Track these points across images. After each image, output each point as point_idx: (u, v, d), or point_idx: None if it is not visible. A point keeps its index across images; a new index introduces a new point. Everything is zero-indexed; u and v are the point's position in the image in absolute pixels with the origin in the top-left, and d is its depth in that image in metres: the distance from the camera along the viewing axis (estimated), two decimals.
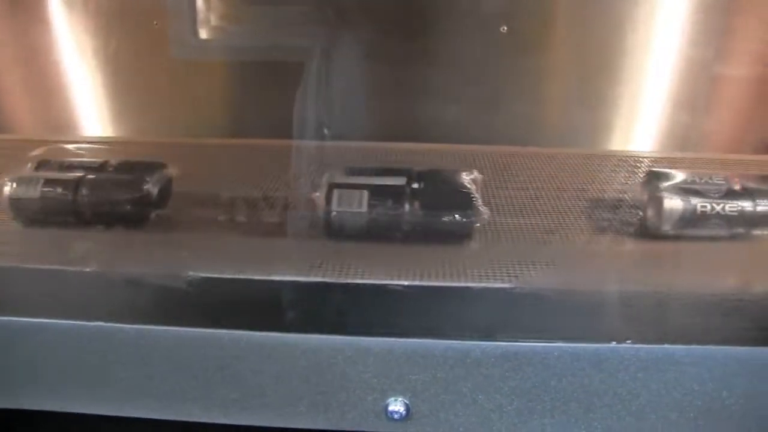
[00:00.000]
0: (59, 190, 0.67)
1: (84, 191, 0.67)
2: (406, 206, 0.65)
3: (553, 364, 0.55)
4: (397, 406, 0.56)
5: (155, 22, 0.94)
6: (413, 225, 0.65)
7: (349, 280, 0.58)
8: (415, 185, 0.67)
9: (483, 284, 0.58)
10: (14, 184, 0.67)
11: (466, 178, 0.69)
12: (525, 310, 0.58)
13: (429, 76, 0.94)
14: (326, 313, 0.59)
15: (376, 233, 0.65)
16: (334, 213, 0.64)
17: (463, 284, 0.58)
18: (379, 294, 0.60)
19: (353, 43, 0.92)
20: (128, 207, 0.67)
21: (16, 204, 0.67)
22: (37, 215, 0.67)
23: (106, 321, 0.56)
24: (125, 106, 0.98)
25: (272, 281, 0.60)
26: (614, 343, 0.55)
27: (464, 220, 0.64)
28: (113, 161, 0.72)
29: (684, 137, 0.97)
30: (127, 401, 0.59)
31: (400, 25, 0.93)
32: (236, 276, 0.59)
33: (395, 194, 0.65)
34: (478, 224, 0.65)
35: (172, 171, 0.73)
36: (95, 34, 0.94)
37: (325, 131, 0.91)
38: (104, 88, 0.97)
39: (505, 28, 0.91)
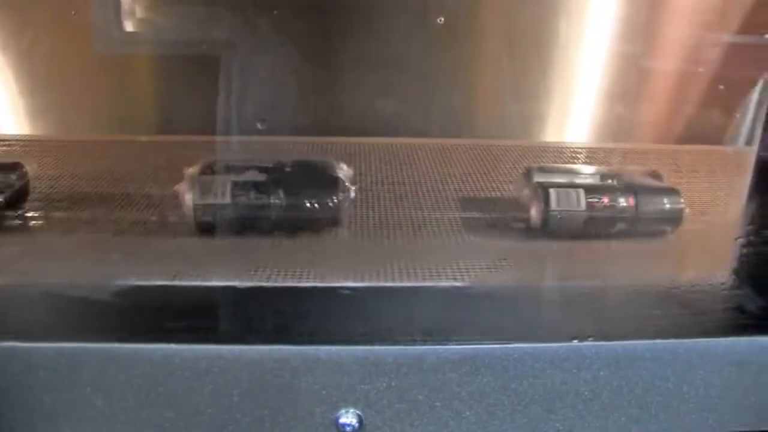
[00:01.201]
0: None
1: None
2: (271, 197, 0.65)
3: (512, 366, 0.52)
4: (348, 418, 0.52)
5: (74, 12, 0.88)
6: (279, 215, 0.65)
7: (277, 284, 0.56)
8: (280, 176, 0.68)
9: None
10: None
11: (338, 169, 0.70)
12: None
13: (364, 69, 0.91)
14: (267, 321, 0.56)
15: (241, 226, 0.65)
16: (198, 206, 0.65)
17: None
18: (322, 298, 0.57)
19: (286, 35, 0.88)
20: None
21: None
22: None
23: (19, 341, 0.51)
24: (42, 103, 0.92)
25: (201, 287, 0.57)
26: (576, 341, 0.52)
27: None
28: None
29: (615, 128, 0.97)
30: (44, 429, 0.53)
31: (333, 16, 0.89)
32: (161, 283, 0.55)
33: (259, 185, 0.66)
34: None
35: (29, 170, 0.72)
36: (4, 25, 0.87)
37: (259, 126, 0.87)
38: (19, 84, 0.90)
39: (442, 19, 0.88)
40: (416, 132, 0.92)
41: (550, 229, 0.67)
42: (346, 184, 0.69)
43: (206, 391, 0.51)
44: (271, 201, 0.65)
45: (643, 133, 1.01)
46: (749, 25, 0.93)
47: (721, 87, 1.00)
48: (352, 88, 0.92)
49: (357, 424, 0.53)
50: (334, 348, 0.51)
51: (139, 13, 0.88)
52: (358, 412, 0.53)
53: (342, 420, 0.53)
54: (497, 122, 0.96)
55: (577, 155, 0.93)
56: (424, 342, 0.52)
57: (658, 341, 0.53)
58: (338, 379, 0.52)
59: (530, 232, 0.70)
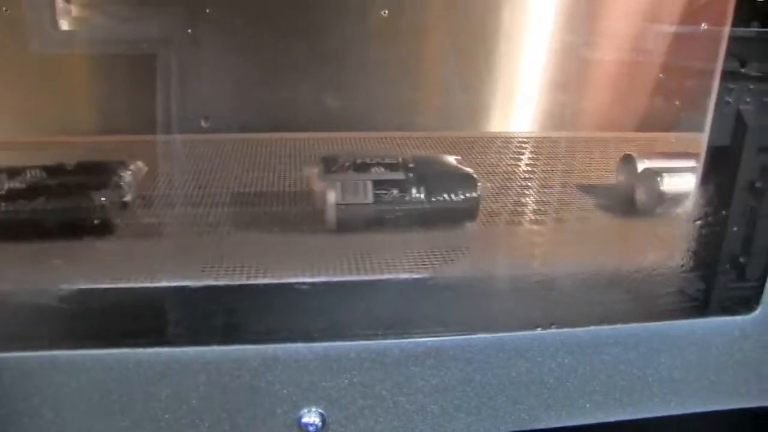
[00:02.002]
0: None
1: None
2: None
3: (476, 358, 0.51)
4: (311, 417, 0.51)
5: (5, 9, 0.84)
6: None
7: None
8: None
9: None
10: None
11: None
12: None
13: (308, 63, 0.89)
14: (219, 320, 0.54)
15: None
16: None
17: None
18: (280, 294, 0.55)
19: (228, 31, 0.86)
20: None
21: None
22: None
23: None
24: None
25: (151, 288, 0.54)
26: (540, 329, 0.52)
27: None
28: None
29: (559, 117, 0.98)
30: None
31: (275, 10, 0.87)
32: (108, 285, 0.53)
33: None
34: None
35: None
36: None
37: (203, 123, 0.85)
38: None
39: (386, 12, 0.87)
40: (362, 125, 0.90)
41: None
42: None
43: (162, 396, 0.49)
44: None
45: (589, 121, 1.02)
46: (689, 15, 0.94)
47: (662, 75, 1.02)
48: (296, 83, 0.90)
49: (320, 424, 0.51)
50: (293, 346, 0.50)
51: (75, 11, 0.85)
52: (320, 410, 0.51)
53: (305, 420, 0.51)
54: (443, 114, 0.95)
55: (523, 145, 0.93)
56: (386, 336, 0.51)
57: (620, 326, 0.53)
58: (299, 377, 0.50)
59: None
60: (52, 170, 0.66)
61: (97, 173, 0.67)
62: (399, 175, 0.66)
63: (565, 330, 0.52)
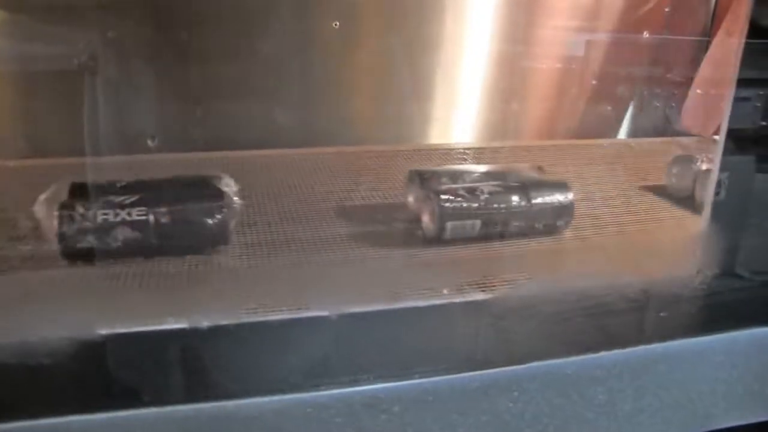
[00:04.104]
0: None
1: None
2: None
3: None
4: None
5: None
6: None
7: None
8: None
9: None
10: None
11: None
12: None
13: (258, 77, 0.88)
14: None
15: None
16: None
17: None
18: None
19: (169, 44, 0.83)
20: None
21: None
22: None
23: None
24: None
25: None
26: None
27: None
28: None
29: (502, 127, 1.00)
30: None
31: (222, 22, 0.85)
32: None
33: None
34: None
35: None
36: None
37: (149, 143, 0.82)
38: None
39: (338, 23, 0.87)
40: (317, 141, 0.89)
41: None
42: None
43: None
44: None
45: (528, 130, 1.05)
46: (625, 23, 0.98)
47: (594, 82, 1.06)
48: (246, 98, 0.88)
49: None
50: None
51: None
52: None
53: None
54: (395, 126, 0.95)
55: (465, 155, 0.94)
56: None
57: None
58: None
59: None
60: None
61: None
62: None
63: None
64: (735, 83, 0.60)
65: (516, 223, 0.66)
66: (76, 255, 0.57)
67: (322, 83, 0.89)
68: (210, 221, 0.60)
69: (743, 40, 0.60)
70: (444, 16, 0.92)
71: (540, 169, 0.76)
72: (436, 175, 0.71)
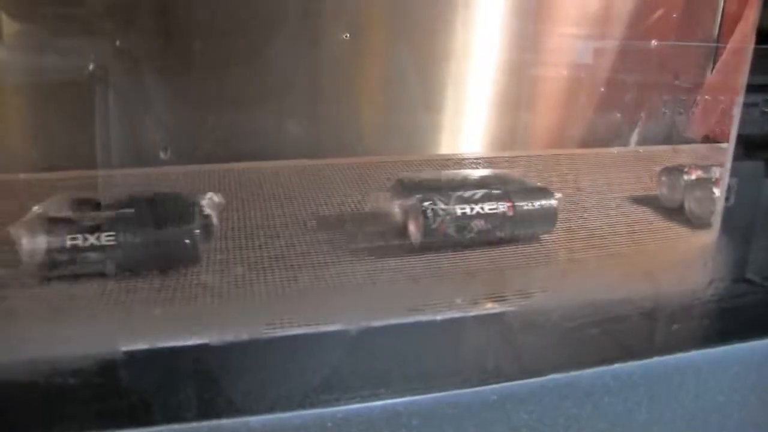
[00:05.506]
0: None
1: None
2: None
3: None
4: None
5: None
6: None
7: None
8: None
9: None
10: None
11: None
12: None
13: (269, 88, 0.88)
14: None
15: None
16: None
17: None
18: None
19: (182, 55, 0.84)
20: None
21: None
22: None
23: None
24: None
25: None
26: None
27: None
28: None
29: (512, 137, 1.00)
30: None
31: (235, 34, 0.86)
32: None
33: None
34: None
35: None
36: None
37: (162, 155, 0.83)
38: None
39: (348, 35, 0.87)
40: (328, 151, 0.90)
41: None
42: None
43: None
44: None
45: (538, 138, 1.05)
46: (634, 31, 0.99)
47: (603, 89, 1.06)
48: (257, 109, 0.88)
49: None
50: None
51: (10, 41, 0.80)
52: None
53: None
54: (406, 136, 0.95)
55: (477, 164, 0.94)
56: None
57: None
58: None
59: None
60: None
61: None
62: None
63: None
64: (744, 89, 0.60)
65: (500, 233, 0.66)
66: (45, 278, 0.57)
67: (333, 94, 0.90)
68: (180, 244, 0.59)
69: (752, 46, 0.60)
70: (454, 27, 0.92)
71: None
72: (421, 184, 0.70)
